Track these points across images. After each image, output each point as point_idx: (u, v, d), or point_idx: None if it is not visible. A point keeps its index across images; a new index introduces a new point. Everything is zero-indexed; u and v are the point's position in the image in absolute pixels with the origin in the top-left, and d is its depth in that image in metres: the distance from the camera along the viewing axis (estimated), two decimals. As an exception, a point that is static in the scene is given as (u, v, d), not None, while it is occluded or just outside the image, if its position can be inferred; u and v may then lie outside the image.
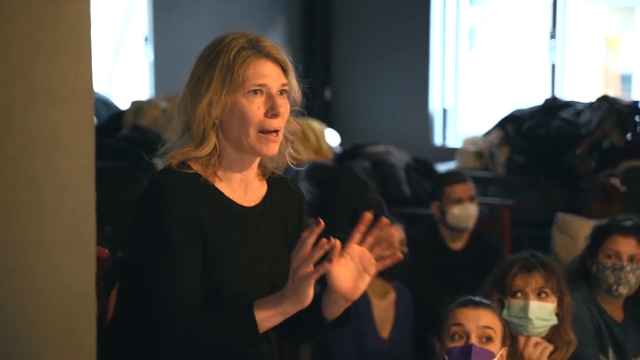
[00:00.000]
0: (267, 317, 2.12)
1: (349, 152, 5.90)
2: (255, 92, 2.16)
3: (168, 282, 2.12)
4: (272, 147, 2.18)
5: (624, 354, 3.47)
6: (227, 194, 2.21)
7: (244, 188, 2.25)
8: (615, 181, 4.82)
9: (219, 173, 2.20)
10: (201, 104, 2.14)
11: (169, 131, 5.26)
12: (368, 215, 2.13)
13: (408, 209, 5.41)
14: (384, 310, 3.87)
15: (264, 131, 2.16)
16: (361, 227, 2.14)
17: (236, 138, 2.18)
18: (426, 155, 6.27)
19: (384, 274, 3.85)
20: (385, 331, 3.83)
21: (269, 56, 2.18)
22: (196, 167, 2.19)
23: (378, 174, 5.59)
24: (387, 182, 5.57)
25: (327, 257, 2.07)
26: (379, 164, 5.68)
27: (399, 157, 5.95)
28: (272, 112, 2.15)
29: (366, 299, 3.83)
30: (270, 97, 2.16)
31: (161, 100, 5.67)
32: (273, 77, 2.17)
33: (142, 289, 2.15)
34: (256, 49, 2.18)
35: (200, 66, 2.18)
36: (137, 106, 5.60)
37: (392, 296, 3.91)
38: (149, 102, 5.62)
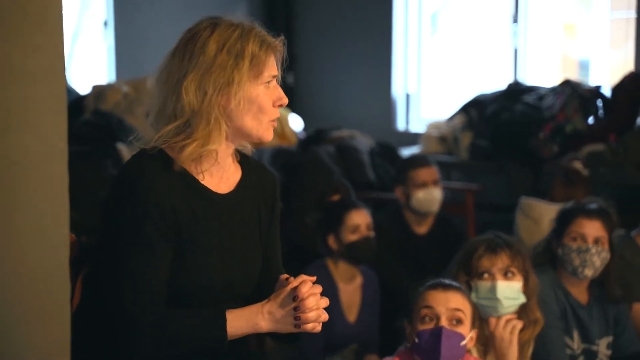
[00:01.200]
0: (237, 328, 2.12)
1: (313, 137, 5.88)
2: (268, 82, 2.18)
3: (136, 272, 2.09)
4: (272, 134, 2.20)
5: (589, 335, 3.50)
6: (203, 182, 2.19)
7: (220, 174, 2.23)
8: (578, 165, 4.86)
9: (184, 154, 2.15)
10: (219, 92, 2.11)
11: (132, 116, 5.22)
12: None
13: (372, 193, 5.41)
14: (350, 295, 3.87)
15: (271, 120, 2.19)
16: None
17: (246, 127, 2.17)
18: (389, 141, 6.27)
19: (350, 259, 3.85)
20: (352, 315, 3.84)
21: (277, 48, 2.20)
22: (172, 154, 2.16)
23: (342, 158, 5.58)
24: (351, 166, 5.56)
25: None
26: (343, 148, 5.67)
27: (363, 142, 5.94)
28: (279, 101, 2.19)
29: (333, 284, 3.83)
30: (275, 87, 2.19)
31: (123, 84, 5.61)
32: (278, 68, 2.21)
33: (109, 277, 2.11)
34: (269, 40, 2.19)
35: (213, 53, 2.12)
36: (98, 90, 5.54)
37: (358, 280, 3.92)
38: (110, 87, 5.55)
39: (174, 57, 2.15)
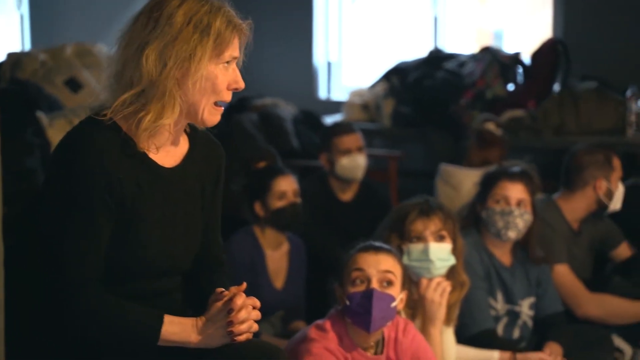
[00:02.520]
0: (171, 335, 2.10)
1: (236, 105, 5.84)
2: (228, 62, 2.12)
3: (77, 243, 2.05)
4: (217, 119, 2.15)
5: (512, 296, 3.57)
6: (150, 154, 2.13)
7: (168, 147, 2.17)
8: (491, 126, 4.92)
9: (140, 128, 2.10)
10: (179, 66, 2.06)
11: (50, 84, 5.11)
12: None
13: (297, 161, 5.41)
14: (277, 261, 3.87)
15: (218, 103, 2.13)
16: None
17: (195, 106, 2.11)
18: (312, 109, 6.26)
19: (277, 225, 3.84)
20: (279, 282, 3.84)
21: (243, 30, 2.15)
22: (121, 123, 2.11)
23: (266, 126, 5.56)
24: (275, 134, 5.55)
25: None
26: (266, 117, 5.65)
27: (286, 110, 5.93)
28: (235, 84, 2.14)
29: (260, 250, 3.82)
30: (234, 70, 2.14)
31: (40, 52, 5.47)
32: (240, 51, 2.15)
33: (47, 247, 2.06)
34: (236, 21, 2.14)
35: (179, 25, 2.06)
36: (14, 59, 5.39)
37: (285, 247, 3.92)
38: (27, 55, 5.41)
39: (137, 22, 2.09)
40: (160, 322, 2.08)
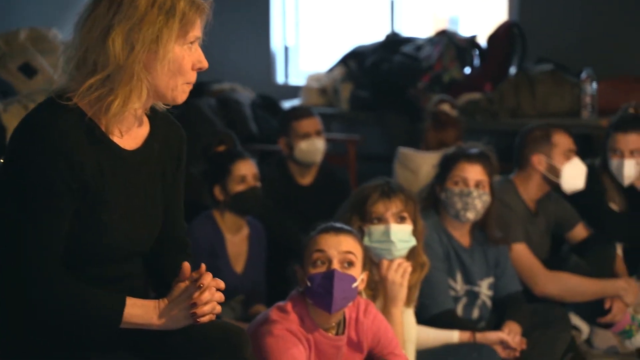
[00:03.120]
0: (133, 317, 2.09)
1: (194, 89, 5.76)
2: (192, 43, 2.11)
3: (38, 227, 2.02)
4: (185, 97, 2.15)
5: (471, 277, 3.60)
6: (112, 137, 2.12)
7: (129, 130, 2.15)
8: (446, 107, 4.95)
9: (109, 114, 2.08)
10: (146, 49, 2.03)
11: (4, 70, 5.03)
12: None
13: (255, 145, 5.39)
14: (237, 245, 3.86)
15: (186, 83, 2.12)
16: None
17: (162, 87, 2.09)
18: (270, 94, 6.24)
19: (237, 209, 3.84)
20: (239, 266, 3.84)
21: (204, 10, 2.14)
22: (82, 104, 2.08)
23: (224, 111, 5.54)
24: (233, 119, 5.53)
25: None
26: (224, 101, 5.62)
27: (244, 95, 5.91)
28: (199, 64, 2.12)
29: (219, 235, 3.81)
30: (197, 49, 2.13)
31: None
32: (201, 31, 2.14)
33: (7, 231, 2.04)
34: (198, 1, 2.12)
35: (144, 8, 2.04)
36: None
37: (245, 231, 3.91)
38: (-21, 40, 5.33)
39: (99, 6, 2.05)
40: (122, 305, 2.07)
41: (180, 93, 2.12)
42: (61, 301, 2.04)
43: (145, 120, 2.20)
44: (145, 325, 2.10)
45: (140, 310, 2.09)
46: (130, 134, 2.16)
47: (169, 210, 2.26)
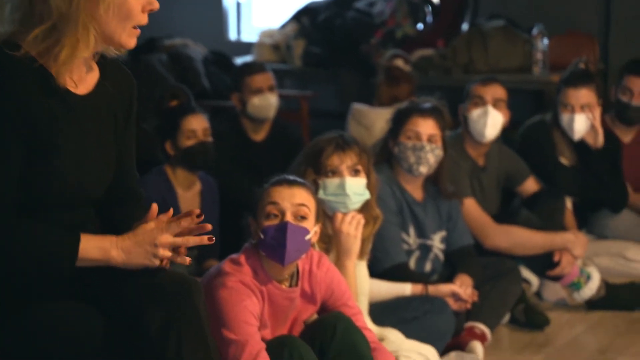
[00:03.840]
0: (89, 252, 2.06)
1: (144, 45, 5.74)
2: None
3: None
4: (134, 42, 2.11)
5: (423, 230, 3.63)
6: (62, 82, 2.08)
7: (79, 75, 2.12)
8: (399, 62, 4.95)
9: (59, 63, 2.04)
10: None
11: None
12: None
13: (208, 101, 5.36)
14: (189, 201, 3.85)
15: (136, 27, 2.09)
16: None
17: (110, 32, 2.06)
18: (222, 50, 6.19)
19: (187, 164, 3.81)
20: (192, 221, 3.81)
21: None
22: (29, 48, 2.04)
23: (176, 67, 5.49)
24: (185, 75, 5.48)
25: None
26: (176, 57, 5.57)
27: (197, 50, 5.85)
28: (150, 6, 2.09)
29: (171, 190, 3.79)
30: None
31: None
32: None
33: None
34: None
35: None
36: None
37: (197, 187, 3.89)
38: None
39: None
40: (77, 239, 2.05)
41: (128, 37, 2.08)
42: (15, 240, 2.02)
43: (95, 66, 2.17)
44: (103, 260, 2.07)
45: (96, 244, 2.06)
46: (81, 80, 2.13)
47: (121, 159, 2.24)
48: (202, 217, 2.14)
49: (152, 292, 2.08)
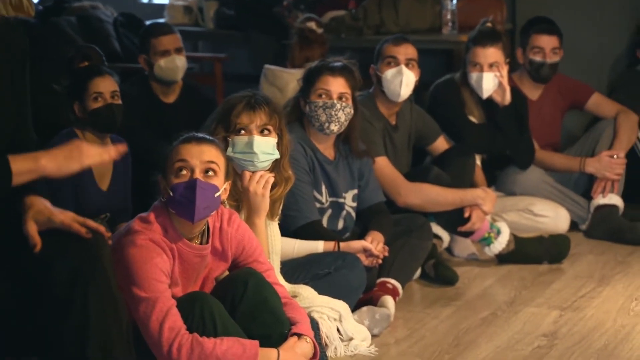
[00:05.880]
0: (21, 165, 2.08)
1: (53, 7, 5.61)
2: None
3: None
4: None
5: (335, 189, 3.66)
6: None
7: None
8: (312, 24, 4.96)
9: None
10: None
11: None
12: None
13: (119, 64, 5.28)
14: (101, 163, 3.80)
15: None
16: None
17: None
18: (133, 12, 6.09)
19: (94, 126, 3.76)
20: (104, 184, 3.78)
21: None
22: None
23: (85, 29, 5.39)
24: (95, 37, 5.38)
25: None
26: (85, 19, 5.47)
27: (107, 13, 5.76)
28: None
29: (83, 153, 3.74)
30: None
31: None
32: None
33: None
34: None
35: None
36: None
37: (109, 149, 3.84)
38: None
39: None
40: (5, 159, 2.08)
41: None
42: None
43: None
44: (39, 171, 2.12)
45: (25, 161, 2.12)
46: None
47: (19, 113, 2.22)
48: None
49: (58, 248, 2.07)
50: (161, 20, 6.17)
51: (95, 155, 2.12)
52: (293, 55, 4.91)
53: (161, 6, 6.45)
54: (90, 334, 2.05)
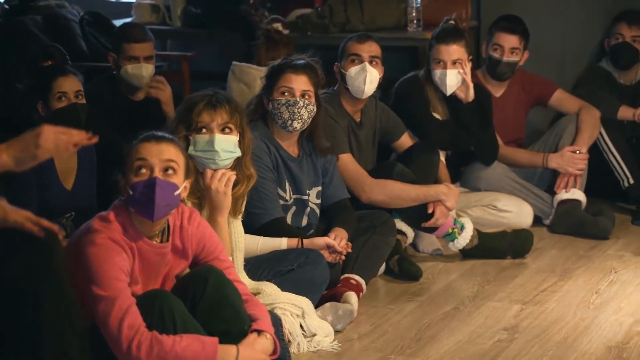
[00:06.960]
0: None
1: (18, 6, 5.60)
2: None
3: None
4: None
5: (299, 186, 3.69)
6: None
7: None
8: (278, 26, 4.99)
9: None
10: None
11: None
12: None
13: (85, 63, 5.27)
14: (66, 162, 3.80)
15: None
16: None
17: None
18: (100, 11, 6.08)
19: (65, 125, 3.76)
20: (68, 183, 3.78)
21: None
22: None
23: (51, 28, 5.37)
24: (62, 36, 5.37)
25: None
26: (52, 18, 5.45)
27: (73, 12, 5.74)
28: None
29: (47, 152, 3.73)
30: None
31: None
32: None
33: None
34: None
35: None
36: None
37: (73, 148, 3.84)
38: None
39: None
40: None
41: None
42: None
43: None
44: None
45: None
46: None
47: None
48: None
49: (10, 247, 2.08)
50: (128, 19, 6.17)
51: (53, 135, 2.14)
52: (259, 55, 4.92)
53: (128, 5, 6.44)
54: (43, 333, 2.05)
